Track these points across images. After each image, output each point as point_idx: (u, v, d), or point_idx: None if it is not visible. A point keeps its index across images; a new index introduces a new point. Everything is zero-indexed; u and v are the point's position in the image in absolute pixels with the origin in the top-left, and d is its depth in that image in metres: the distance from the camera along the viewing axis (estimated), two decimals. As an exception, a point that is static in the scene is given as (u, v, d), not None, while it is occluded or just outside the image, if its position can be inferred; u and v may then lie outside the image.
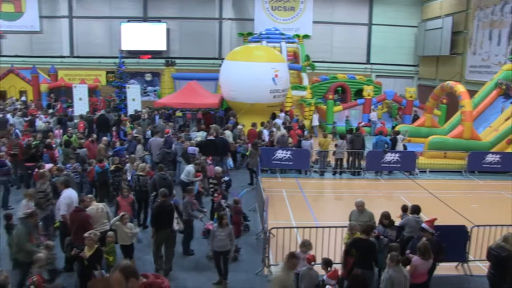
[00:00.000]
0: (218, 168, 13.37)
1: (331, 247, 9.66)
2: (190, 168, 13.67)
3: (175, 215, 9.94)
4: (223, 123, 22.11)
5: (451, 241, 9.37)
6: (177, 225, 9.95)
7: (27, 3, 33.09)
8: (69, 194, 10.32)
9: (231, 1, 33.06)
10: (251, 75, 21.36)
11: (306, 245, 8.35)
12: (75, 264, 8.97)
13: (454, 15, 29.00)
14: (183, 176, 13.64)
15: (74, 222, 9.47)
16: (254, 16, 33.41)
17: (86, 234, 8.45)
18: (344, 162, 18.44)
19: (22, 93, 28.83)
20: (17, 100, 27.50)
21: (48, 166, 13.47)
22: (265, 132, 19.21)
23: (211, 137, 16.88)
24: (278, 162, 17.72)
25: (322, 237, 9.83)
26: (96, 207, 9.93)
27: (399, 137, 19.03)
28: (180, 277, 9.80)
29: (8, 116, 22.07)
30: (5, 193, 13.89)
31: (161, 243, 9.74)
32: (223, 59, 27.80)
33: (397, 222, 9.79)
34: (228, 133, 18.32)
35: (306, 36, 32.35)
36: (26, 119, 21.77)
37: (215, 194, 12.69)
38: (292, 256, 7.29)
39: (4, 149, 15.45)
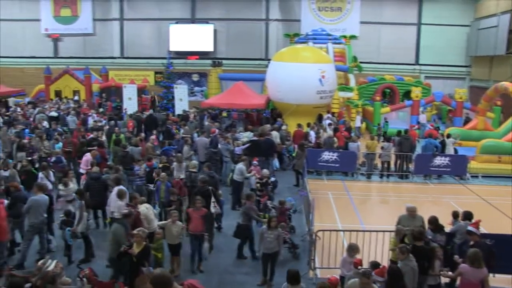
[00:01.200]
0: (266, 171, 13.45)
1: (378, 251, 9.50)
2: (241, 166, 13.85)
3: (212, 199, 11.00)
4: (269, 123, 22.15)
5: (507, 251, 8.91)
6: (213, 208, 11.00)
7: (82, 7, 34.41)
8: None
9: (278, 2, 33.12)
10: (298, 76, 21.31)
11: (353, 249, 8.29)
12: (124, 260, 9.27)
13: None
14: (236, 176, 13.78)
15: (123, 219, 9.77)
16: (301, 17, 33.32)
17: (134, 231, 8.65)
18: (392, 165, 18.14)
19: (75, 92, 29.91)
20: (70, 99, 28.56)
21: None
22: (312, 134, 19.13)
23: (256, 138, 16.95)
24: (325, 163, 17.60)
25: (369, 241, 9.70)
26: (145, 206, 10.19)
27: (450, 140, 18.53)
28: (227, 279, 9.94)
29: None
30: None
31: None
32: (269, 60, 27.88)
33: (448, 228, 9.55)
34: (274, 133, 18.36)
35: (353, 37, 31.98)
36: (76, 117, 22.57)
37: (262, 195, 12.78)
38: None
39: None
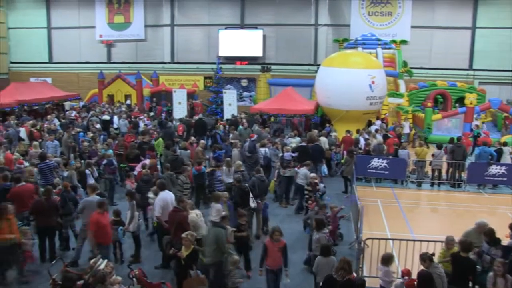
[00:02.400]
0: (313, 175, 13.35)
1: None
2: (305, 171, 13.90)
3: (251, 195, 11.75)
4: (318, 129, 22.02)
5: None
6: (253, 203, 11.76)
7: (135, 14, 35.42)
8: (164, 197, 10.70)
9: (327, 7, 32.87)
10: (348, 81, 21.12)
11: (387, 259, 8.31)
12: (172, 262, 9.41)
13: None
14: (300, 181, 13.81)
15: (173, 221, 9.88)
16: (350, 22, 32.91)
17: (183, 235, 8.77)
18: (443, 173, 17.60)
19: (127, 97, 30.76)
20: (122, 103, 29.40)
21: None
22: (362, 140, 18.86)
23: (304, 144, 16.87)
24: (374, 170, 17.27)
25: (420, 251, 9.39)
26: (195, 213, 10.28)
27: (506, 148, 17.78)
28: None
29: (115, 118, 23.70)
30: (110, 191, 14.95)
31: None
32: (318, 65, 27.74)
33: (505, 242, 9.14)
34: (323, 139, 18.22)
35: (403, 42, 31.28)
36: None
37: (309, 201, 12.69)
38: None
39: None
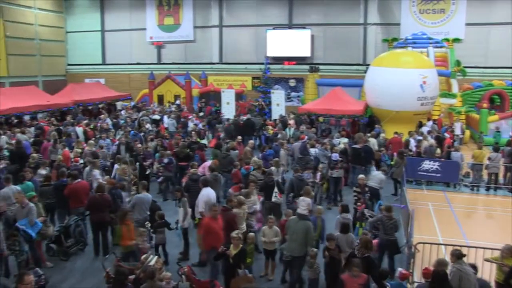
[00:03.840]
0: (362, 176, 13.13)
1: (485, 269, 8.75)
2: (382, 176, 13.73)
3: (275, 189, 12.12)
4: (367, 130, 21.69)
5: None
6: (274, 197, 12.08)
7: (184, 15, 36.06)
8: (207, 192, 10.92)
9: (377, 6, 32.27)
10: (398, 81, 20.69)
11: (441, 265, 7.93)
12: (221, 261, 9.49)
13: None
14: (374, 184, 13.52)
15: (222, 220, 10.01)
16: (400, 21, 32.14)
17: (233, 234, 8.84)
18: (500, 177, 16.90)
19: (176, 97, 31.34)
20: (172, 103, 29.98)
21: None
22: (412, 141, 18.41)
23: (357, 146, 16.62)
24: (425, 173, 16.81)
25: (474, 258, 9.05)
26: (242, 211, 10.37)
27: None
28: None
29: (164, 117, 24.20)
30: (166, 188, 15.32)
31: (269, 211, 11.84)
32: (367, 65, 27.31)
33: None
34: (372, 140, 17.92)
35: (456, 40, 30.17)
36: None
37: (358, 203, 12.49)
38: None
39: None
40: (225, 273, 9.00)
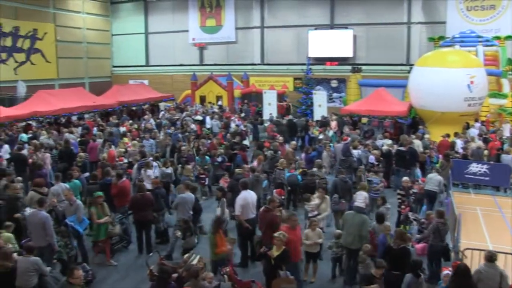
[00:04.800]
0: (406, 178, 12.86)
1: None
2: (440, 178, 13.48)
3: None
4: (410, 132, 21.21)
5: None
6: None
7: (226, 17, 36.29)
8: (245, 196, 10.84)
9: (421, 5, 31.47)
10: (444, 81, 20.09)
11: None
12: (262, 262, 9.48)
13: None
14: (432, 187, 13.26)
15: (263, 221, 10.01)
16: (446, 19, 31.21)
17: (275, 235, 8.82)
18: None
19: (218, 98, 31.58)
20: (213, 104, 30.26)
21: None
22: (459, 143, 17.85)
23: (402, 148, 16.23)
24: (472, 176, 16.20)
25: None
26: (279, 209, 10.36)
27: None
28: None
29: (207, 118, 24.46)
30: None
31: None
32: (411, 65, 26.71)
33: None
34: (417, 142, 17.49)
35: (509, 37, 28.95)
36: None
37: (402, 206, 12.23)
38: None
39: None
40: (266, 274, 8.99)
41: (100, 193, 11.03)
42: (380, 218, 9.93)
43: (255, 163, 14.68)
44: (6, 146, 17.97)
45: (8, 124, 20.97)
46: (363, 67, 31.24)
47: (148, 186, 12.52)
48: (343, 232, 9.84)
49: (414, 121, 22.86)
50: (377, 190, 13.14)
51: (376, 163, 15.26)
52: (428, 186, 13.19)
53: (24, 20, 31.89)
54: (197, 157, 16.31)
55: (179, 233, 10.32)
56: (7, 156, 17.26)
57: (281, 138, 18.69)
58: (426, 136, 19.19)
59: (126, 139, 19.01)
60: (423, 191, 13.27)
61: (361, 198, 10.88)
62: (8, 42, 30.83)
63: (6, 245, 9.09)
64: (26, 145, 17.34)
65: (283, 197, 13.13)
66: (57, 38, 34.36)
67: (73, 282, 7.32)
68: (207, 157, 15.97)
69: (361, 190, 11.52)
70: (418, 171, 15.99)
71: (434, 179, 13.35)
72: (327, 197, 11.48)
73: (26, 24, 31.99)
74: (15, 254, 8.82)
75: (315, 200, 11.53)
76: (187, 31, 37.63)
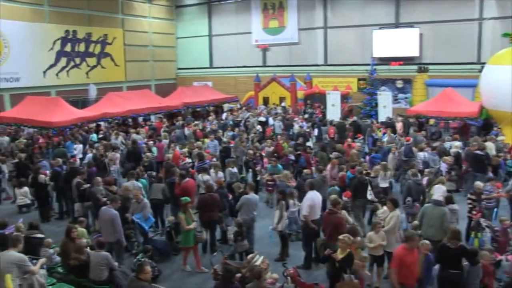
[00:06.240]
0: (479, 183, 12.26)
1: None
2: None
3: (369, 187, 12.48)
4: (481, 133, 20.25)
5: None
6: (370, 195, 12.46)
7: (289, 18, 36.28)
8: (312, 196, 10.77)
9: (495, -1, 29.97)
10: (519, 80, 19.02)
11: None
12: (326, 264, 9.36)
13: None
14: None
15: (328, 223, 9.90)
16: (524, 14, 29.49)
17: (340, 237, 8.69)
18: None
19: (281, 99, 31.60)
20: (277, 105, 30.31)
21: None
22: (535, 145, 16.85)
23: (479, 152, 15.46)
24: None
25: None
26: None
27: None
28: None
29: (270, 119, 24.53)
30: None
31: (360, 209, 12.43)
32: (482, 63, 25.56)
33: None
34: (490, 145, 16.63)
35: None
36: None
37: (473, 212, 11.67)
38: None
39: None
40: (330, 277, 8.87)
41: (188, 199, 10.98)
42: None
43: (328, 167, 14.45)
44: (80, 146, 18.98)
45: (80, 125, 22.02)
46: (430, 67, 30.20)
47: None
48: (423, 224, 10.00)
49: (486, 123, 21.78)
50: (491, 199, 12.32)
51: (448, 170, 14.59)
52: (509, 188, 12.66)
53: (95, 26, 33.61)
54: (268, 165, 15.87)
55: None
56: (81, 155, 18.20)
57: (349, 139, 18.47)
58: (500, 138, 18.23)
59: (206, 140, 19.40)
60: (509, 196, 12.66)
61: (439, 191, 11.14)
62: (82, 47, 32.68)
63: (81, 240, 9.58)
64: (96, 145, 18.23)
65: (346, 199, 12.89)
66: (125, 42, 35.88)
67: (142, 278, 7.54)
68: (279, 165, 15.43)
69: (439, 183, 11.83)
70: (490, 176, 15.19)
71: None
72: (396, 213, 10.20)
73: (97, 30, 33.68)
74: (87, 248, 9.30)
75: (383, 211, 11.06)
76: (250, 32, 37.96)
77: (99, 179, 12.52)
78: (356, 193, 12.45)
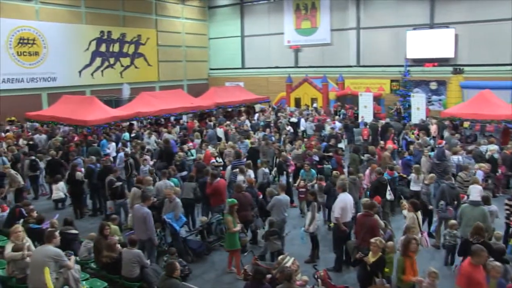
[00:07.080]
0: (516, 188, 11.95)
1: None
2: None
3: (388, 187, 12.69)
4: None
5: None
6: (389, 195, 12.68)
7: (321, 19, 36.08)
8: (344, 198, 10.67)
9: (534, -2, 29.02)
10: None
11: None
12: (358, 268, 9.26)
13: None
14: None
15: (361, 226, 9.76)
16: None
17: (372, 240, 8.58)
18: None
19: (313, 100, 31.47)
20: (308, 106, 30.20)
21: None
22: None
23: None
24: None
25: None
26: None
27: None
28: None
29: (301, 120, 24.47)
30: None
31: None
32: (521, 64, 24.85)
33: None
34: (528, 149, 16.19)
35: None
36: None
37: (511, 218, 11.35)
38: None
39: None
40: (360, 280, 8.78)
41: (235, 201, 10.77)
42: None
43: (367, 172, 14.28)
44: (113, 145, 19.33)
45: (114, 124, 22.42)
46: (466, 68, 29.52)
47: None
48: (461, 224, 10.15)
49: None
50: None
51: (484, 178, 14.17)
52: None
53: (129, 27, 34.23)
54: (302, 171, 15.33)
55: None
56: (114, 154, 18.55)
57: (382, 142, 18.25)
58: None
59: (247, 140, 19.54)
60: None
61: (476, 191, 11.16)
62: (116, 47, 33.34)
63: (113, 237, 9.75)
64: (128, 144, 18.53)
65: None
66: (158, 42, 36.40)
67: (173, 276, 7.62)
68: (313, 171, 14.97)
69: (474, 183, 11.83)
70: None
71: None
72: (417, 215, 10.26)
73: (131, 30, 34.31)
74: (119, 246, 9.46)
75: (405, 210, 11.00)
76: (282, 33, 37.93)
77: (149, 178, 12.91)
78: (376, 193, 12.43)
